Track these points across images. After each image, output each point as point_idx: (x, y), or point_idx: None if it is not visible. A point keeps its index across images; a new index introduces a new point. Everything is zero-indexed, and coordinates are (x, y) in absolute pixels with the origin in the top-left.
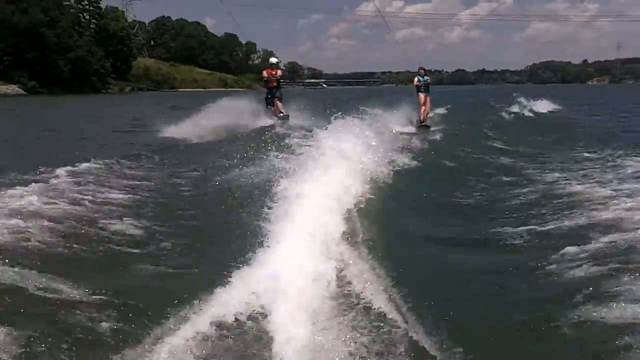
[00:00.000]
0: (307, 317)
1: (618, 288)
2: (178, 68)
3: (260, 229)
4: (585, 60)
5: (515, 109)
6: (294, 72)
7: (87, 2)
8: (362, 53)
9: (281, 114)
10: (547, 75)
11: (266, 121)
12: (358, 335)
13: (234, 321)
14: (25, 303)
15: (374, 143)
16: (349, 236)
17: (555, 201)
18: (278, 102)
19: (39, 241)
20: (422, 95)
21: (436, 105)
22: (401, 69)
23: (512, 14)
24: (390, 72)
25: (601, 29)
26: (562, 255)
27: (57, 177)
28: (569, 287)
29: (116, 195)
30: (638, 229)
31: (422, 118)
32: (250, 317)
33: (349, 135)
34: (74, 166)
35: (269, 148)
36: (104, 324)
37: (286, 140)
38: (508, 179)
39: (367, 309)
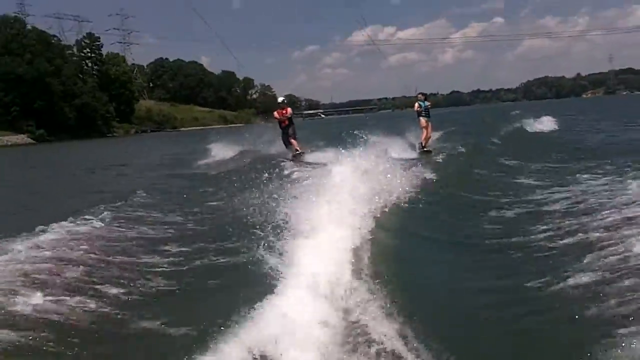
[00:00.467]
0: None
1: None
2: (178, 108)
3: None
4: (578, 74)
5: (518, 126)
6: (291, 104)
7: (89, 50)
8: (357, 81)
9: (297, 152)
10: (542, 91)
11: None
12: None
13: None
14: None
15: (379, 173)
16: (358, 274)
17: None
18: (293, 140)
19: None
20: (423, 120)
21: (435, 129)
22: (397, 94)
23: (504, 33)
24: (386, 98)
25: (592, 42)
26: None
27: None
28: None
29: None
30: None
31: (423, 143)
32: None
33: (354, 168)
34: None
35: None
36: None
37: (294, 175)
38: (520, 204)
39: (377, 347)
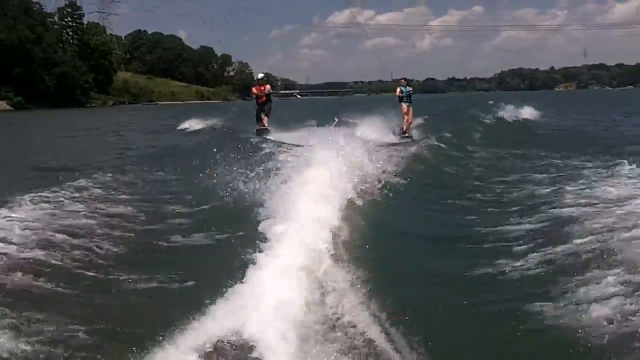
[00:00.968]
0: (295, 340)
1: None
2: (155, 81)
3: (244, 249)
4: (552, 67)
5: (496, 115)
6: (268, 83)
7: (70, 19)
8: (334, 63)
9: (262, 127)
10: (516, 82)
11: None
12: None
13: (220, 346)
14: None
15: (358, 157)
16: (337, 258)
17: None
18: (264, 116)
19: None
20: (404, 105)
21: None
22: (373, 78)
23: (482, 22)
24: (362, 81)
25: (569, 36)
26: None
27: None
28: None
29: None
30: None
31: (404, 128)
32: (236, 344)
33: (333, 151)
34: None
35: (254, 165)
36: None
37: (276, 156)
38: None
39: (351, 329)
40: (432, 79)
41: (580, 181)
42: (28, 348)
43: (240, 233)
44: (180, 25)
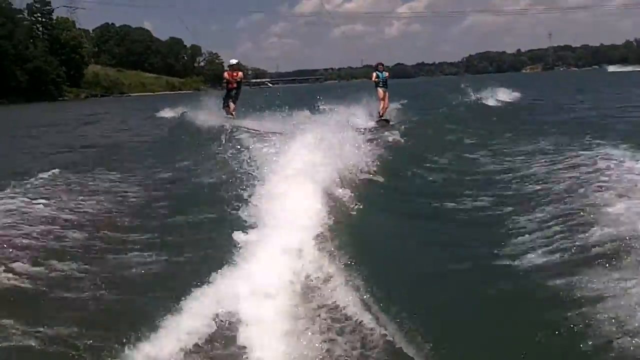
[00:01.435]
0: (283, 326)
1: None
2: (125, 73)
3: (230, 237)
4: (519, 50)
5: (468, 98)
6: (240, 70)
7: (39, 14)
8: (304, 51)
9: (230, 115)
10: (483, 65)
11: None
12: (334, 342)
13: (207, 335)
14: None
15: (338, 143)
16: (321, 244)
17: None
18: (232, 103)
19: None
20: (380, 91)
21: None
22: (343, 65)
23: (450, 6)
24: (332, 68)
25: (534, 18)
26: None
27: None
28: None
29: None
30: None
31: (381, 113)
32: (222, 332)
33: (312, 135)
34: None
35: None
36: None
37: (255, 144)
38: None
39: (340, 313)
40: (401, 64)
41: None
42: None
43: (218, 222)
44: (146, 17)
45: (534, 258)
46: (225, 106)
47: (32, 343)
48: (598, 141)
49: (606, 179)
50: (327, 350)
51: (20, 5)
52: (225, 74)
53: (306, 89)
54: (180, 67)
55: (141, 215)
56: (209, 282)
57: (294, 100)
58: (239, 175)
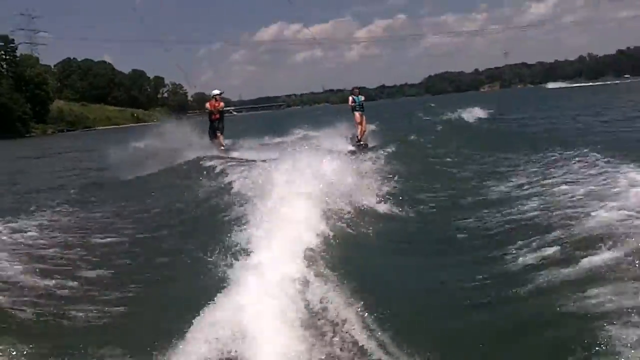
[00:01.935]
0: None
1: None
2: (89, 107)
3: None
4: (476, 69)
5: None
6: (202, 102)
7: (3, 52)
8: (265, 78)
9: (222, 148)
10: (443, 86)
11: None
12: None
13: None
14: None
15: (324, 169)
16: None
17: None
18: (220, 135)
19: None
20: (357, 115)
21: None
22: (304, 90)
23: (407, 30)
24: (294, 94)
25: (490, 38)
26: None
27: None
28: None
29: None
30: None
31: (359, 137)
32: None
33: (297, 163)
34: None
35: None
36: None
37: (239, 173)
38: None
39: (338, 328)
40: (363, 87)
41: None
42: None
43: (215, 249)
44: (106, 50)
45: (540, 280)
46: (213, 138)
47: None
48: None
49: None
50: None
51: None
52: (208, 105)
53: (271, 116)
54: (144, 98)
55: (126, 251)
56: (207, 307)
57: (263, 127)
58: (232, 205)
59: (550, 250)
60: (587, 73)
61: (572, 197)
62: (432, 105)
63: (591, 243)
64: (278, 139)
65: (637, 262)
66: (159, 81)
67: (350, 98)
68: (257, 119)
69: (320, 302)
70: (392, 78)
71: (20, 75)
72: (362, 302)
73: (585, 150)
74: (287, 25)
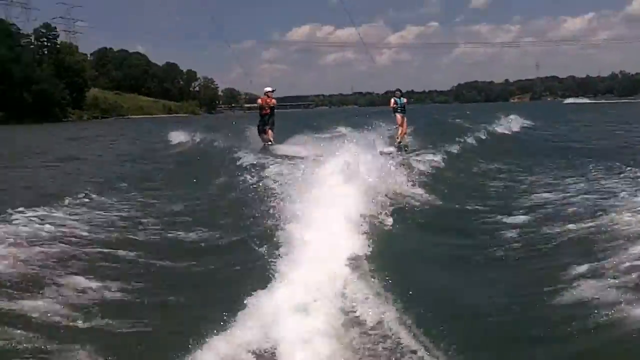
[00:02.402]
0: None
1: None
2: (123, 97)
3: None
4: (507, 80)
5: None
6: (232, 97)
7: (45, 39)
8: (294, 77)
9: (269, 143)
10: (472, 95)
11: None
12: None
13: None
14: None
15: (367, 168)
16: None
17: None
18: (270, 130)
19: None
20: (398, 116)
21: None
22: (333, 92)
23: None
24: (323, 95)
25: (522, 49)
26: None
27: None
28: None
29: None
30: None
31: (399, 139)
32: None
33: (343, 163)
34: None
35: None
36: None
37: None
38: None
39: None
40: (392, 91)
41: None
42: None
43: (258, 247)
44: (140, 42)
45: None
46: (261, 132)
47: None
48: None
49: None
50: None
51: (23, 28)
52: (259, 100)
53: (301, 114)
54: (177, 91)
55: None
56: (243, 310)
57: (296, 125)
58: (275, 203)
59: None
60: (619, 90)
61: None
62: (468, 112)
63: None
64: (318, 135)
65: None
66: (191, 75)
67: (392, 100)
68: (288, 116)
69: (372, 319)
70: (422, 84)
71: (60, 62)
72: (402, 307)
73: None
74: (320, 26)
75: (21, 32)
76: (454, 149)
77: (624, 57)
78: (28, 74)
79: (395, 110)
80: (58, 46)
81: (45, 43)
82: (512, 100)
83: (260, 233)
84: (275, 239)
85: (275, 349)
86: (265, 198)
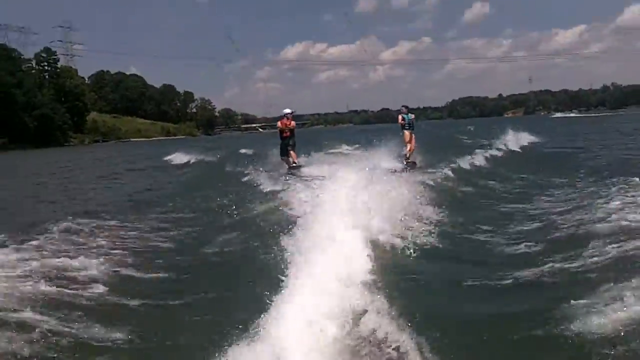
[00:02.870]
0: None
1: None
2: (121, 119)
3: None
4: (500, 95)
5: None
6: (228, 118)
7: (46, 64)
8: (289, 96)
9: (294, 164)
10: (466, 110)
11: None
12: None
13: None
14: None
15: (381, 187)
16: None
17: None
18: (292, 152)
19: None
20: (407, 133)
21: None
22: (328, 110)
23: (431, 53)
24: (318, 114)
25: (515, 63)
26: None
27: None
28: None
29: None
30: None
31: (407, 155)
32: None
33: (351, 179)
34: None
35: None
36: None
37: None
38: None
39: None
40: (387, 108)
41: None
42: None
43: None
44: (133, 63)
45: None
46: (284, 155)
47: None
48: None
49: None
50: None
51: (22, 51)
52: (279, 123)
53: (298, 134)
54: (174, 113)
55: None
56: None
57: (305, 144)
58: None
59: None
60: (610, 102)
61: None
62: (471, 128)
63: None
64: (327, 154)
65: None
66: (188, 96)
67: (400, 116)
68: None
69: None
70: (416, 100)
71: (60, 87)
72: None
73: None
74: (313, 44)
75: (22, 57)
76: (465, 165)
77: (616, 69)
78: (30, 99)
79: (403, 127)
80: (58, 70)
81: (46, 67)
82: (506, 115)
83: (269, 250)
84: (283, 257)
85: None
86: (283, 221)
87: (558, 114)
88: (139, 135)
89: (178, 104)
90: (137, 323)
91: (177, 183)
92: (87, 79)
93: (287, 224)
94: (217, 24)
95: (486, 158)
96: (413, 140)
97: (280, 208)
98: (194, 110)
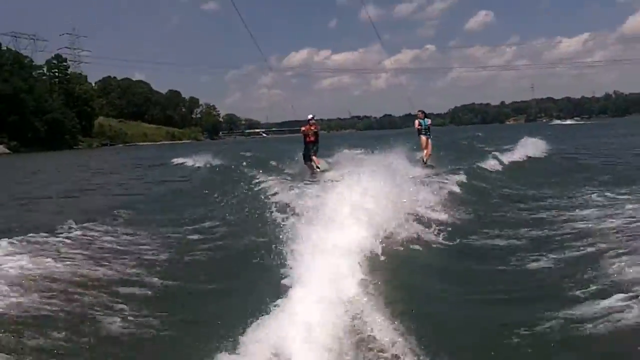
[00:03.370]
0: None
1: None
2: (127, 124)
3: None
4: (502, 102)
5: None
6: (232, 123)
7: (57, 70)
8: (292, 102)
9: (318, 169)
10: (468, 117)
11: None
12: None
13: None
14: None
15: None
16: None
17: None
18: (314, 157)
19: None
20: (423, 138)
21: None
22: (331, 116)
23: (434, 60)
24: (321, 119)
25: (518, 71)
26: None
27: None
28: None
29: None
30: None
31: (425, 159)
32: None
33: (368, 181)
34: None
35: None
36: None
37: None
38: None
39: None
40: (389, 115)
41: None
42: None
43: (268, 263)
44: (138, 70)
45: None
46: (308, 161)
47: None
48: None
49: None
50: None
51: (32, 58)
52: (303, 128)
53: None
54: (179, 118)
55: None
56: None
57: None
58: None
59: None
60: (612, 110)
61: None
62: (479, 134)
63: None
64: (339, 156)
65: None
66: (193, 102)
67: (417, 122)
68: (291, 141)
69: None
70: (418, 107)
71: (70, 92)
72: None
73: None
74: (317, 51)
75: (34, 63)
76: (478, 170)
77: (619, 77)
78: (40, 104)
79: (419, 132)
80: (68, 76)
81: (56, 74)
82: (507, 122)
83: (269, 252)
84: (284, 260)
85: None
86: (289, 222)
87: (556, 122)
88: (145, 139)
89: (183, 109)
90: (138, 323)
91: (187, 184)
92: (94, 85)
93: (293, 224)
94: (223, 30)
95: (509, 162)
96: (429, 145)
97: (290, 208)
98: (199, 115)
